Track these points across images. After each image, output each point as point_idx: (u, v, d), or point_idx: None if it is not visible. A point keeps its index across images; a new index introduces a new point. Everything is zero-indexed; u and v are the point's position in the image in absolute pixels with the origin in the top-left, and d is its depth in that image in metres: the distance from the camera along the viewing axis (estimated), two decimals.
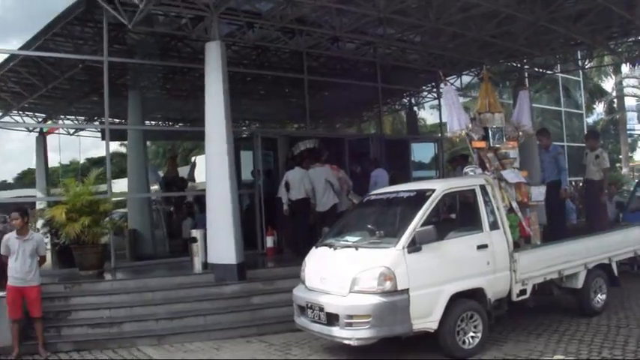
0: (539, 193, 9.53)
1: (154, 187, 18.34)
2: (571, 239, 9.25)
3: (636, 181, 21.61)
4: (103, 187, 18.10)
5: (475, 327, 7.49)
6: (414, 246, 7.07)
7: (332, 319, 7.21)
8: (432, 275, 7.14)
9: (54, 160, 27.87)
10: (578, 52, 19.89)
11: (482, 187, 8.09)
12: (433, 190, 7.68)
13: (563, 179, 10.85)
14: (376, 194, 8.84)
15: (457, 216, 8.39)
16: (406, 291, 6.91)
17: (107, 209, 11.67)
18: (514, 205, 8.91)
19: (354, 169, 15.33)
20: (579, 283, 8.98)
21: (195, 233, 11.77)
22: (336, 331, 7.16)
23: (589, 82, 33.40)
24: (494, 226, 7.95)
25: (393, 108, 24.85)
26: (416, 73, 19.48)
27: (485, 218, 7.89)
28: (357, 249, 7.48)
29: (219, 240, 11.14)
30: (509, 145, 9.42)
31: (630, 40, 18.13)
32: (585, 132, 27.53)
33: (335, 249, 7.81)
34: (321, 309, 7.35)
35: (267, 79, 19.07)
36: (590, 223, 11.35)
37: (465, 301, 7.43)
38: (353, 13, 12.88)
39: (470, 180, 8.44)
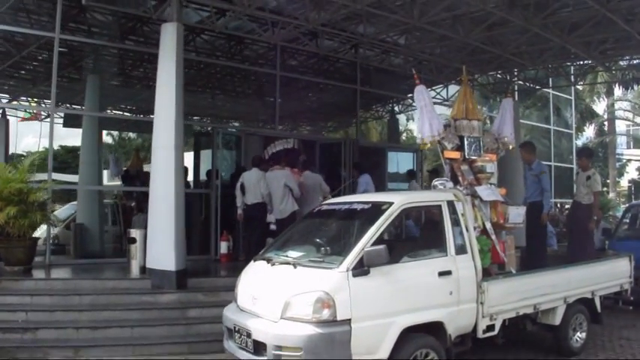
0: (517, 214, 8.38)
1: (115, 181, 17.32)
2: (550, 269, 8.07)
3: (625, 206, 20.60)
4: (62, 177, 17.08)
5: None
6: (360, 268, 5.87)
7: (259, 348, 6.02)
8: (380, 304, 5.94)
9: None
10: (572, 69, 18.91)
11: (450, 204, 6.90)
12: (390, 204, 6.47)
13: (545, 202, 9.63)
14: (329, 204, 7.61)
15: (419, 236, 7.16)
16: (347, 322, 5.70)
17: (37, 199, 10.37)
18: (488, 226, 7.84)
19: (354, 175, 14.06)
20: (557, 320, 7.88)
21: (135, 233, 10.58)
22: None
23: (581, 103, 32.67)
24: (461, 249, 6.78)
25: (374, 114, 23.68)
26: (400, 79, 18.36)
27: (451, 240, 6.70)
28: (295, 267, 6.26)
29: (158, 243, 10.04)
30: (486, 158, 8.34)
31: (625, 59, 17.17)
32: (575, 152, 26.72)
33: (273, 264, 6.61)
34: (249, 335, 6.18)
35: (238, 73, 18.06)
36: (573, 251, 10.15)
37: (420, 336, 6.23)
38: (331, 3, 11.63)
39: (436, 194, 7.25)
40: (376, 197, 7.30)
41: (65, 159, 26.65)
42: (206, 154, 14.11)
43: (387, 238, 9.57)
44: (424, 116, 7.90)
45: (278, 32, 13.58)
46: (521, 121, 22.40)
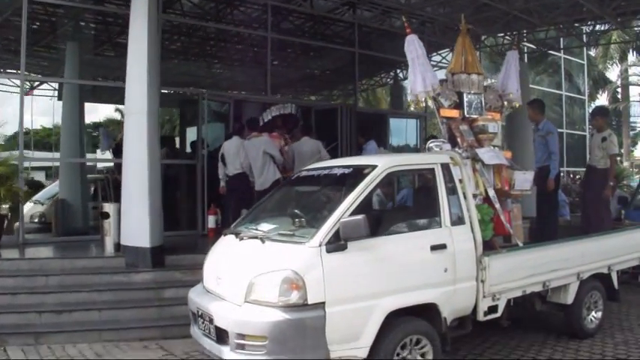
0: (524, 180, 7.44)
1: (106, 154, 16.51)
2: (562, 241, 7.08)
3: None
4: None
5: (423, 356, 5.41)
6: (336, 243, 4.97)
7: (222, 335, 5.16)
8: (361, 284, 5.04)
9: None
10: (584, 30, 17.81)
11: (446, 167, 5.94)
12: (374, 167, 5.53)
13: (552, 166, 8.64)
14: (309, 170, 6.63)
15: (410, 205, 6.23)
16: (321, 305, 4.82)
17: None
18: (490, 193, 6.93)
19: (359, 141, 12.94)
20: (569, 298, 6.92)
21: (108, 207, 9.71)
22: (226, 354, 5.08)
23: (593, 70, 31.49)
24: (458, 220, 5.84)
25: (378, 82, 22.59)
26: (403, 42, 17.17)
27: (446, 209, 5.76)
28: (263, 242, 5.35)
29: (132, 217, 9.20)
30: (489, 117, 7.41)
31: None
32: (588, 117, 25.64)
33: (241, 239, 5.71)
34: (211, 320, 5.33)
35: (227, 38, 17.10)
36: (588, 221, 9.16)
37: (409, 320, 5.34)
38: None
39: (429, 157, 6.29)
40: (359, 160, 6.33)
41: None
42: (193, 124, 13.10)
43: (377, 207, 8.84)
44: (416, 69, 6.96)
45: None
46: (532, 86, 21.45)
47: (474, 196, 6.65)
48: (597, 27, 17.52)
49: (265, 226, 5.83)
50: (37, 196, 15.73)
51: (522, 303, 6.62)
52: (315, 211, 5.63)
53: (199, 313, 5.58)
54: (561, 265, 6.65)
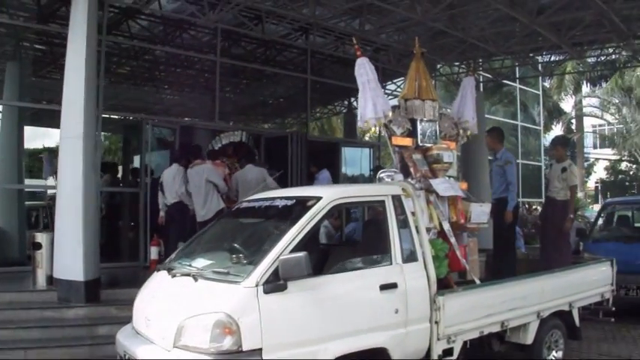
0: (481, 212, 7.04)
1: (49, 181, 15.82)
2: (521, 277, 6.68)
3: (603, 203, 19.50)
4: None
5: None
6: (275, 282, 4.46)
7: None
8: (303, 328, 4.55)
9: None
10: (539, 59, 17.79)
11: (397, 199, 5.49)
12: (318, 199, 5.05)
13: (510, 197, 8.24)
14: (249, 201, 6.13)
15: (359, 240, 5.78)
16: (257, 352, 4.31)
17: None
18: (445, 227, 6.48)
19: (311, 170, 12.59)
20: (529, 338, 6.49)
21: (40, 237, 9.04)
22: None
23: (548, 101, 31.75)
24: (410, 256, 5.38)
25: (333, 110, 22.26)
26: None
27: (397, 244, 5.30)
28: (196, 279, 4.82)
29: (65, 248, 8.60)
30: (443, 146, 7.00)
31: (594, 48, 16.08)
32: (543, 149, 25.70)
33: (173, 276, 5.16)
34: None
35: (176, 63, 16.58)
36: (547, 255, 8.76)
37: None
38: None
39: (379, 188, 5.84)
40: (303, 191, 5.81)
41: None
42: (138, 150, 12.51)
43: (324, 240, 8.37)
44: (367, 94, 6.51)
45: (217, 13, 12.10)
46: (488, 116, 21.30)
47: (428, 229, 6.21)
48: (552, 57, 17.48)
49: (200, 262, 5.32)
50: None
51: (479, 344, 6.16)
52: (255, 247, 5.12)
53: (126, 358, 5.01)
54: (520, 303, 6.24)
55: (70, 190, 8.56)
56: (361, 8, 12.59)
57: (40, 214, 14.85)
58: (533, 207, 23.92)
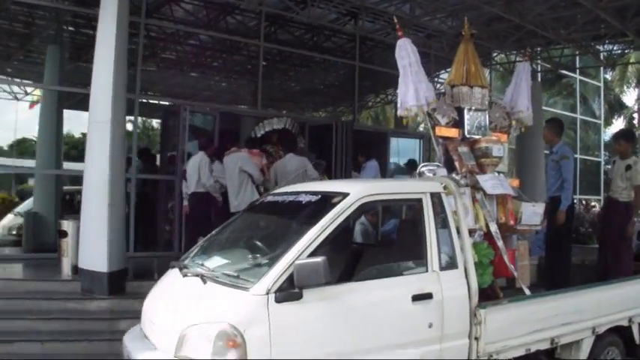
0: (533, 213, 6.30)
1: None
2: (575, 289, 5.91)
3: None
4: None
5: None
6: (288, 290, 3.90)
7: None
8: (319, 343, 3.96)
9: None
10: (601, 49, 16.75)
11: (436, 197, 4.83)
12: (344, 196, 4.43)
13: (564, 196, 7.42)
14: (275, 194, 5.54)
15: (391, 242, 5.18)
16: None
17: None
18: (493, 228, 5.79)
19: (358, 160, 12.06)
20: (582, 355, 5.70)
21: (67, 225, 8.69)
22: None
23: (609, 94, 30.21)
24: (449, 263, 4.72)
25: (384, 99, 21.55)
26: None
27: (435, 249, 4.65)
28: (205, 281, 4.29)
29: (90, 238, 8.29)
30: (493, 138, 6.28)
31: None
32: (603, 143, 24.54)
33: (185, 275, 4.64)
34: None
35: (218, 46, 16.14)
36: (605, 263, 7.93)
37: None
38: None
39: (416, 184, 5.14)
40: (330, 186, 5.17)
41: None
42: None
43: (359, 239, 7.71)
44: (408, 79, 5.85)
45: None
46: (545, 108, 20.34)
47: (473, 231, 5.58)
48: (615, 47, 16.45)
49: (215, 261, 4.78)
50: (20, 208, 14.87)
51: None
52: (273, 247, 4.52)
53: None
54: (574, 317, 5.51)
55: (97, 177, 8.21)
56: None
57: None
58: (592, 204, 22.77)
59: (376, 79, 16.96)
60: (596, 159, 26.00)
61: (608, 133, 30.53)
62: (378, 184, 5.04)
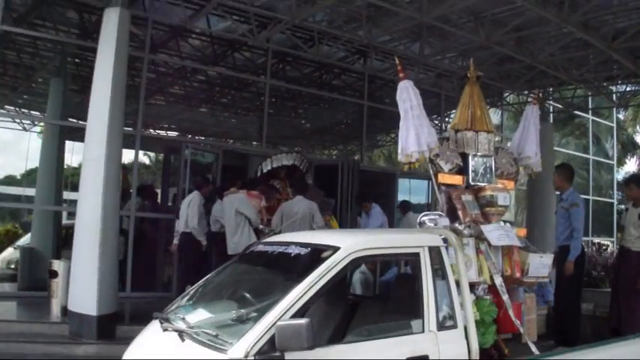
0: (541, 264, 5.91)
1: None
2: (587, 347, 5.45)
3: None
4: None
5: None
6: (269, 354, 3.56)
7: None
8: None
9: None
10: (614, 89, 16.47)
11: (435, 252, 4.48)
12: (335, 250, 4.10)
13: (573, 245, 7.07)
14: (265, 244, 5.20)
15: (386, 300, 4.86)
16: None
17: None
18: (497, 281, 5.39)
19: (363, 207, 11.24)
20: None
21: (57, 265, 8.41)
22: None
23: (622, 133, 29.87)
24: (448, 322, 4.36)
25: (394, 138, 21.26)
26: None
27: (432, 307, 4.30)
28: (182, 339, 3.97)
29: (80, 279, 8.09)
30: (499, 186, 5.91)
31: None
32: (616, 184, 24.12)
33: (165, 330, 4.31)
34: None
35: (223, 83, 16.07)
36: (618, 316, 7.52)
37: None
38: None
39: (414, 237, 4.80)
40: (321, 238, 4.81)
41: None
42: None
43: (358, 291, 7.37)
44: (409, 123, 5.55)
45: (268, 32, 11.44)
46: (557, 149, 20.03)
47: (477, 284, 5.22)
48: (628, 87, 16.15)
49: (197, 315, 4.45)
50: (21, 241, 14.62)
51: None
52: (257, 303, 4.19)
53: None
54: None
55: (89, 216, 8.02)
56: (420, 30, 11.71)
57: None
58: (604, 247, 22.26)
59: (386, 117, 16.74)
60: (609, 200, 25.55)
61: (622, 172, 30.16)
62: (371, 238, 4.68)
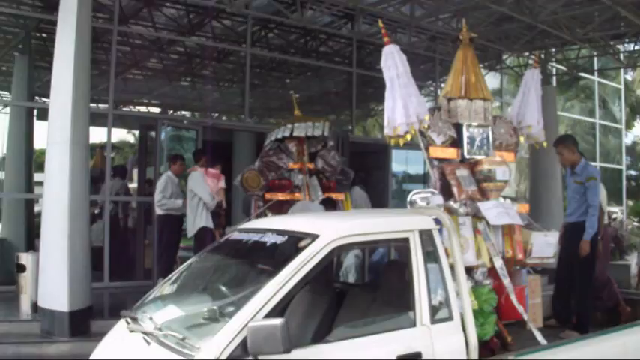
0: (545, 243, 5.76)
1: None
2: (600, 334, 5.19)
3: None
4: None
5: None
6: (241, 358, 3.32)
7: None
8: None
9: None
10: (621, 49, 16.20)
11: (427, 235, 4.22)
12: (314, 238, 3.84)
13: (589, 224, 6.70)
14: (242, 230, 4.92)
15: (374, 290, 4.67)
16: None
17: None
18: (497, 264, 5.23)
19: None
20: None
21: (25, 258, 8.19)
22: None
23: (630, 95, 29.58)
24: (442, 314, 4.11)
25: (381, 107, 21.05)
26: (412, 61, 15.66)
27: (425, 298, 4.04)
28: (148, 342, 3.74)
29: (50, 272, 7.84)
30: (497, 159, 5.75)
31: None
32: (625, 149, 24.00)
33: (131, 331, 4.09)
34: None
35: (204, 54, 15.55)
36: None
37: None
38: None
39: (402, 221, 4.46)
40: (300, 224, 4.53)
41: None
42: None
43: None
44: (395, 92, 5.33)
45: None
46: (561, 113, 19.76)
47: (475, 268, 5.04)
48: (636, 46, 15.87)
49: (166, 313, 4.22)
50: None
51: None
52: (230, 298, 3.97)
53: None
54: None
55: (55, 205, 7.79)
56: None
57: None
58: (613, 216, 22.07)
59: (378, 84, 16.42)
60: (617, 166, 25.36)
61: (630, 137, 29.97)
62: (355, 223, 4.39)
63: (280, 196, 8.33)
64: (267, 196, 8.32)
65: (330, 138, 9.09)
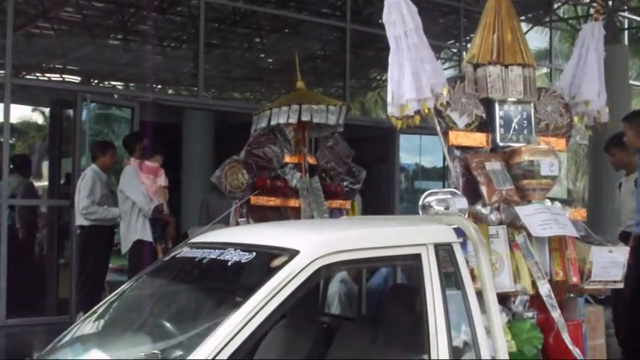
0: (610, 262, 5.89)
1: None
2: None
3: None
4: None
5: None
6: None
7: None
8: None
9: None
10: None
11: (444, 251, 4.38)
12: (292, 255, 3.93)
13: None
14: (194, 245, 5.05)
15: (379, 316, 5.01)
16: None
17: None
18: (543, 291, 5.36)
19: None
20: None
21: None
22: None
23: None
24: (465, 357, 4.29)
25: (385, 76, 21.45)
26: (424, 11, 16.01)
27: (443, 336, 4.15)
28: None
29: None
30: (542, 147, 5.82)
31: None
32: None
33: None
34: None
35: (136, 3, 15.90)
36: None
37: None
38: None
39: (412, 232, 4.62)
40: (273, 235, 4.66)
41: None
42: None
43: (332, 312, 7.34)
44: (403, 57, 5.45)
45: None
46: (634, 82, 20.04)
47: (512, 297, 5.16)
48: None
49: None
50: None
51: None
52: (177, 340, 4.11)
53: None
54: None
55: None
56: None
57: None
58: None
59: (380, 46, 16.71)
60: None
61: None
62: (349, 234, 4.52)
63: (270, 201, 8.24)
64: (254, 200, 8.19)
65: (341, 125, 8.81)
